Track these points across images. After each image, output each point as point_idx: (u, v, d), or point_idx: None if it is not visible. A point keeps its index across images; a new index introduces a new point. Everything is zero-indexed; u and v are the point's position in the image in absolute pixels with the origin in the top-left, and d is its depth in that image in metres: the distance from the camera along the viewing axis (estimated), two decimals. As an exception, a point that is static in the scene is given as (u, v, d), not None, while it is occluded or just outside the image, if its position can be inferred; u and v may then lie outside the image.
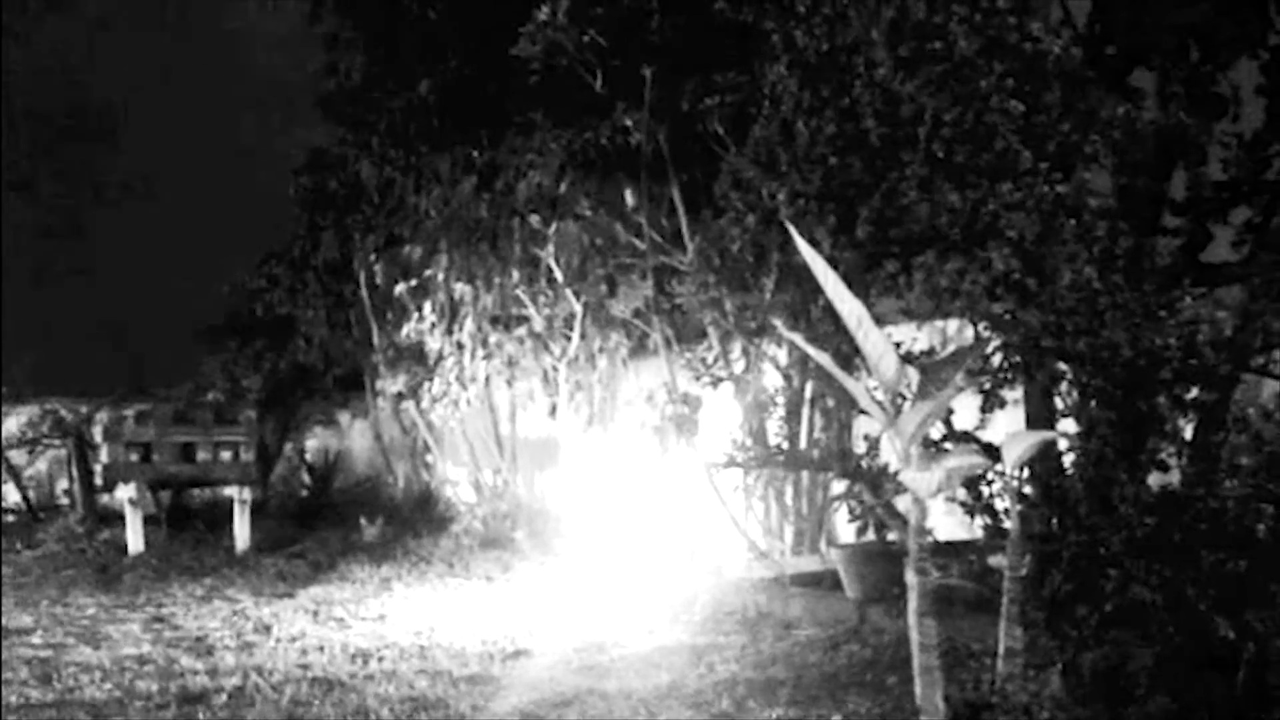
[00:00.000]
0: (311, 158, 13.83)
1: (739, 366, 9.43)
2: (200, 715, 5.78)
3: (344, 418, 16.46)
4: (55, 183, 18.04)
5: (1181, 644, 4.78)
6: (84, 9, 18.22)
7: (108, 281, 17.71)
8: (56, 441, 14.70)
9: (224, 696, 6.10)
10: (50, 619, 8.53)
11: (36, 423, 14.84)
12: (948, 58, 6.09)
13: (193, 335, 15.37)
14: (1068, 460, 6.17)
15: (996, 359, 6.29)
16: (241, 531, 11.79)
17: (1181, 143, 6.59)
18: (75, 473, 13.43)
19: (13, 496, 14.59)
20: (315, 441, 16.47)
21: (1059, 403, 6.38)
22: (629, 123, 9.85)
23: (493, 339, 11.45)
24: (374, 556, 10.92)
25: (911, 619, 4.62)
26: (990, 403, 6.35)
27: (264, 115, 17.38)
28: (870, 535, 7.49)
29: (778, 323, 6.41)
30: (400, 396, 13.12)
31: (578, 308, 11.09)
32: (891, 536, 7.30)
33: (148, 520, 11.83)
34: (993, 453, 5.44)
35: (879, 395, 4.83)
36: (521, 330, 11.42)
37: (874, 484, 6.89)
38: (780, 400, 9.15)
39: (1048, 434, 5.90)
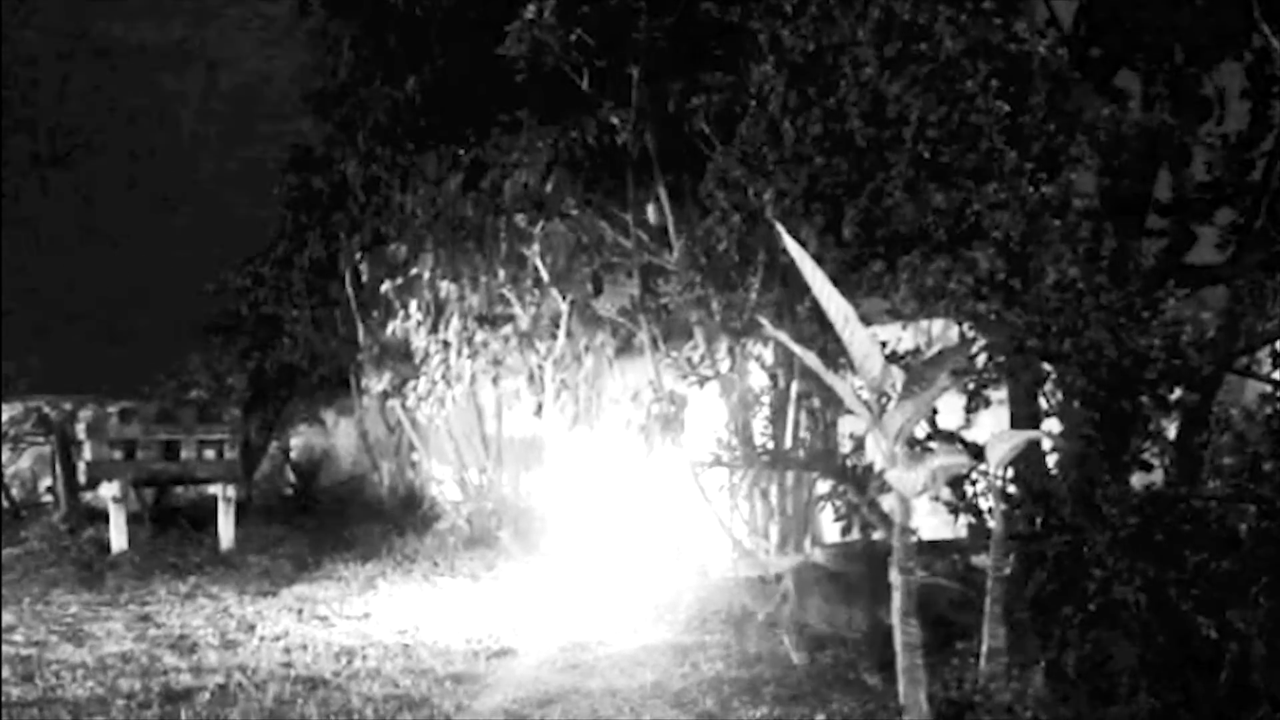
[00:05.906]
0: (296, 156, 13.77)
1: (725, 366, 9.41)
2: (183, 714, 5.76)
3: (329, 416, 16.38)
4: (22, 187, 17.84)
5: (1164, 644, 4.80)
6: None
7: (91, 279, 17.57)
8: (40, 439, 14.62)
9: (207, 695, 6.09)
10: (33, 617, 8.49)
11: (19, 419, 14.76)
12: (934, 58, 6.10)
13: (177, 333, 15.28)
14: (1052, 460, 6.20)
15: (981, 359, 6.32)
16: (225, 529, 11.74)
17: (1166, 144, 6.62)
18: (58, 470, 13.35)
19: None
20: (300, 440, 16.38)
21: (1043, 403, 6.40)
22: (615, 121, 9.83)
23: (479, 338, 11.41)
24: (359, 555, 10.89)
25: (895, 618, 4.64)
26: (975, 402, 6.37)
27: (251, 111, 17.31)
28: (855, 534, 7.51)
29: (764, 322, 6.40)
30: (386, 395, 13.05)
31: (564, 306, 11.07)
32: (876, 536, 7.32)
33: (131, 518, 11.75)
34: (977, 452, 5.47)
35: (864, 394, 4.84)
36: (507, 329, 11.38)
37: (859, 483, 6.92)
38: (766, 399, 9.15)
39: (1032, 434, 5.92)
